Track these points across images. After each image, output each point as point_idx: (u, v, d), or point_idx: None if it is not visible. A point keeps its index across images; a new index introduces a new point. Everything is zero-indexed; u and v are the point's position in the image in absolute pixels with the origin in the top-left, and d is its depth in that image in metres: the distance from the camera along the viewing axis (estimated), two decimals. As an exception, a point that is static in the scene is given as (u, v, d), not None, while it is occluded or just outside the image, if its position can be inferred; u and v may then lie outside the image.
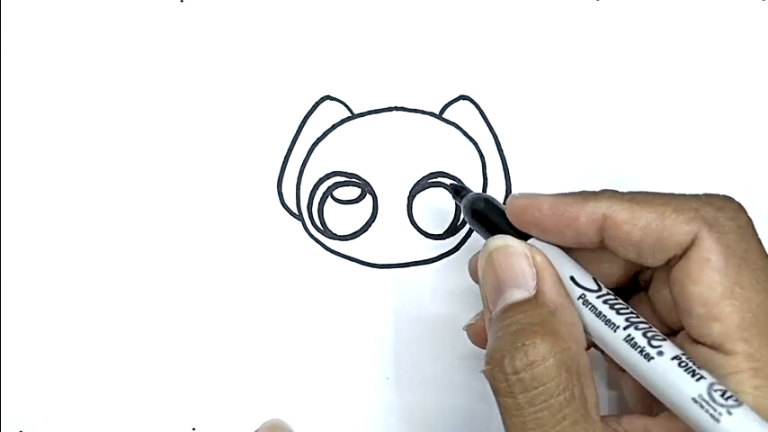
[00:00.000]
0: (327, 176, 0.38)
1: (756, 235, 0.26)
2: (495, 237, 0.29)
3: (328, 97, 0.38)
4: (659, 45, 0.38)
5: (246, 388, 0.37)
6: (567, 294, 0.27)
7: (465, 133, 0.38)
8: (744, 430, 0.23)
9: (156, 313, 0.37)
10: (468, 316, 0.34)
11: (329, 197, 0.38)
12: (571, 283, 0.27)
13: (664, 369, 0.24)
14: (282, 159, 0.38)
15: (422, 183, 0.37)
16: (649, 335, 0.25)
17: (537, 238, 0.28)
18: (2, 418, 0.36)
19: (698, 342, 0.25)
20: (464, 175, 0.38)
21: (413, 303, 0.37)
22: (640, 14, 0.38)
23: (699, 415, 0.23)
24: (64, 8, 0.38)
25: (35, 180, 0.37)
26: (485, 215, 0.31)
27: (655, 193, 0.27)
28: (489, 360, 0.26)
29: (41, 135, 0.38)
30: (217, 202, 0.37)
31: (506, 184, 0.37)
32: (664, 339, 0.25)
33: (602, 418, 0.26)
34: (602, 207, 0.27)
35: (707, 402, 0.23)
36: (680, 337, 0.27)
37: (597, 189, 0.27)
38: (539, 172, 0.37)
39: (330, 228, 0.37)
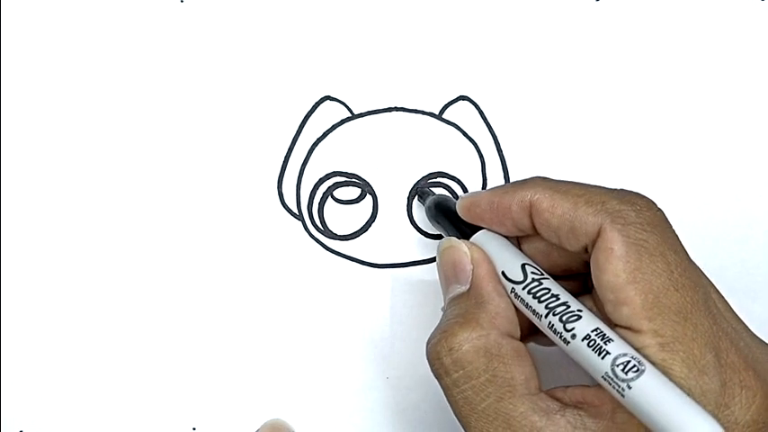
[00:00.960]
0: (327, 176, 0.38)
1: (660, 227, 0.27)
2: (444, 239, 0.32)
3: (328, 97, 0.38)
4: (659, 45, 0.38)
5: (246, 388, 0.37)
6: (498, 287, 0.30)
7: (465, 133, 0.38)
8: (644, 399, 0.24)
9: (156, 313, 0.37)
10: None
11: (329, 197, 0.38)
12: (503, 278, 0.29)
13: (578, 350, 0.26)
14: (282, 159, 0.38)
15: (422, 183, 0.38)
16: (565, 317, 0.27)
17: (488, 230, 0.31)
18: (2, 418, 0.36)
19: (616, 325, 0.27)
20: (464, 176, 0.38)
21: (412, 303, 0.37)
22: (640, 14, 0.38)
23: (611, 391, 0.25)
24: (64, 8, 0.38)
25: (35, 180, 0.37)
26: (443, 215, 0.34)
27: (576, 183, 0.29)
28: (427, 345, 0.29)
29: (41, 135, 0.38)
30: (217, 202, 0.37)
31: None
32: (578, 318, 0.27)
33: (551, 389, 0.28)
34: (528, 194, 0.29)
35: (611, 379, 0.25)
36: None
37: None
38: (538, 172, 0.37)
39: (330, 228, 0.37)
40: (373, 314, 0.37)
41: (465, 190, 0.37)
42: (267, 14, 0.38)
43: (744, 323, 0.29)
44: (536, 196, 0.29)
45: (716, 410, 0.25)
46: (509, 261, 0.30)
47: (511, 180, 0.38)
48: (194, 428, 0.37)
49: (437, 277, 0.37)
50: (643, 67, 0.38)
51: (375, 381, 0.37)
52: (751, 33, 0.38)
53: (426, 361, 0.29)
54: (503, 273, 0.30)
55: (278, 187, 0.37)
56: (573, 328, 0.27)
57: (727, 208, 0.37)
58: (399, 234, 0.37)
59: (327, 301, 0.37)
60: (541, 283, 0.28)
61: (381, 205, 0.38)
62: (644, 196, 0.28)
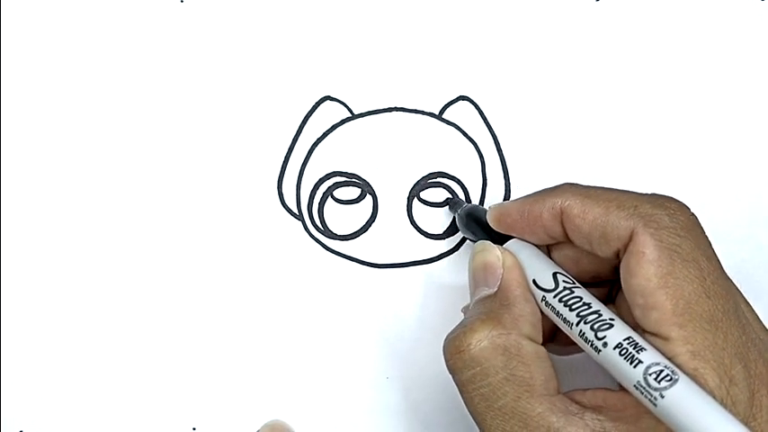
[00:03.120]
0: (327, 176, 0.38)
1: (694, 232, 0.27)
2: (478, 242, 0.32)
3: (328, 98, 0.38)
4: (659, 45, 0.38)
5: (246, 388, 0.37)
6: (527, 293, 0.30)
7: (464, 133, 0.38)
8: (677, 409, 0.24)
9: (156, 313, 0.37)
10: (467, 316, 0.35)
11: (329, 197, 0.38)
12: (533, 286, 0.30)
13: (610, 359, 0.26)
14: (282, 159, 0.38)
15: (422, 183, 0.38)
16: (596, 326, 0.27)
17: (518, 239, 0.31)
18: (2, 418, 0.36)
19: (645, 331, 0.27)
20: (464, 176, 0.38)
21: (413, 303, 0.37)
22: (640, 14, 0.38)
23: (643, 400, 0.25)
24: (64, 8, 0.38)
25: (35, 180, 0.37)
26: (475, 225, 0.34)
27: (607, 188, 0.29)
28: (445, 340, 0.29)
29: (41, 135, 0.38)
30: (217, 203, 0.37)
31: (506, 184, 0.38)
32: (610, 327, 0.27)
33: (570, 392, 0.28)
34: (559, 201, 0.29)
35: (644, 388, 0.25)
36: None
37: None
38: (538, 172, 0.37)
39: (330, 228, 0.37)
40: (373, 314, 0.37)
41: (465, 190, 0.37)
42: (267, 15, 0.38)
43: None
44: (567, 202, 0.29)
45: (744, 421, 0.25)
46: (540, 269, 0.30)
47: (510, 180, 0.38)
48: (194, 428, 0.37)
49: (437, 277, 0.37)
50: (643, 67, 0.38)
51: (375, 381, 0.37)
52: (751, 33, 0.38)
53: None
54: (534, 281, 0.30)
55: (278, 187, 0.37)
56: (604, 337, 0.26)
57: (727, 208, 0.37)
58: (399, 234, 0.37)
59: (327, 301, 0.37)
60: (573, 292, 0.28)
61: (381, 205, 0.38)
62: (677, 200, 0.28)
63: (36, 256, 0.37)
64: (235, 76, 0.38)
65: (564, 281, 0.29)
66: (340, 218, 0.37)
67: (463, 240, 0.37)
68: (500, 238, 0.32)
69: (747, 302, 0.29)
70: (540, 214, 0.30)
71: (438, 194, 0.38)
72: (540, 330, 0.29)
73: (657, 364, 0.25)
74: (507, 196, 0.37)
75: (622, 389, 0.27)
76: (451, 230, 0.37)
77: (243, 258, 0.37)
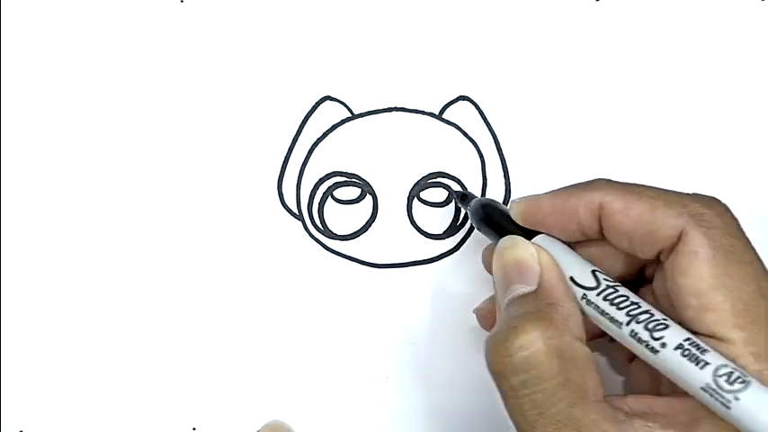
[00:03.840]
0: (327, 176, 0.38)
1: (742, 233, 0.27)
2: (507, 237, 0.30)
3: (328, 97, 0.38)
4: (659, 45, 0.38)
5: (246, 388, 0.37)
6: (568, 291, 0.28)
7: (465, 133, 0.38)
8: (755, 411, 0.23)
9: (156, 313, 0.37)
10: (467, 316, 0.35)
11: (329, 197, 0.38)
12: (572, 283, 0.28)
13: (670, 360, 0.25)
14: (282, 159, 0.38)
15: (422, 183, 0.38)
16: (651, 326, 0.25)
17: (546, 234, 0.30)
18: (2, 418, 0.36)
19: (698, 333, 0.25)
20: (464, 176, 0.38)
21: (412, 303, 0.37)
22: (640, 14, 0.38)
23: (712, 403, 0.24)
24: (64, 8, 0.38)
25: (35, 180, 0.37)
26: (492, 218, 0.32)
27: (647, 186, 0.28)
28: (488, 342, 0.27)
29: (41, 135, 0.38)
30: (217, 203, 0.37)
31: (506, 184, 0.37)
32: (666, 327, 0.25)
33: (607, 397, 0.27)
34: (598, 196, 0.28)
35: (714, 391, 0.24)
36: None
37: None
38: (538, 172, 0.37)
39: (330, 228, 0.37)
40: (373, 314, 0.37)
41: (465, 190, 0.37)
42: (267, 15, 0.38)
43: None
44: (606, 198, 0.28)
45: None
46: (578, 266, 0.28)
47: (511, 180, 0.38)
48: (194, 428, 0.37)
49: (437, 277, 0.37)
50: (643, 67, 0.38)
51: (375, 381, 0.37)
52: (751, 33, 0.38)
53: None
54: (572, 278, 0.28)
55: (278, 187, 0.37)
56: (662, 337, 0.25)
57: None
58: (399, 234, 0.37)
59: (327, 301, 0.37)
60: (617, 290, 0.27)
61: (381, 205, 0.38)
62: (721, 201, 0.27)
63: (36, 256, 0.37)
64: (235, 75, 0.38)
65: (605, 279, 0.28)
66: (340, 218, 0.37)
67: (463, 240, 0.37)
68: (524, 234, 0.30)
69: None
70: (575, 208, 0.28)
71: (438, 194, 0.38)
72: (585, 332, 0.28)
73: (726, 365, 0.24)
74: (507, 196, 0.37)
75: (671, 394, 0.26)
76: (452, 230, 0.37)
77: (243, 258, 0.37)
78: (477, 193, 0.37)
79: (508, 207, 0.31)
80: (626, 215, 0.27)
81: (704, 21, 0.38)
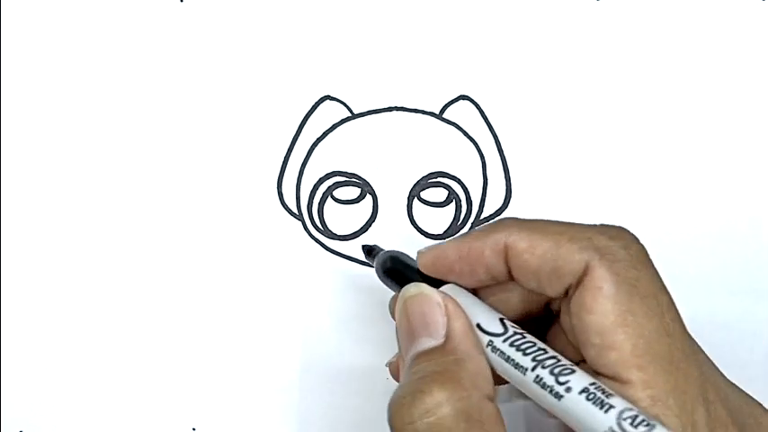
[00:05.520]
0: (327, 176, 0.38)
1: (650, 264, 0.26)
2: (410, 285, 0.28)
3: (328, 97, 0.38)
4: (659, 45, 0.38)
5: (246, 388, 0.37)
6: (477, 343, 0.27)
7: (465, 133, 0.38)
8: None
9: (156, 313, 0.37)
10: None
11: (329, 197, 0.38)
12: (478, 330, 0.27)
13: (574, 405, 0.24)
14: (282, 159, 0.38)
15: (422, 183, 0.37)
16: (557, 370, 0.25)
17: (453, 284, 0.28)
18: (2, 418, 0.36)
19: (599, 373, 0.25)
20: (464, 176, 0.38)
21: (413, 303, 0.37)
22: (640, 14, 0.38)
23: None
24: (64, 8, 0.38)
25: (35, 180, 0.37)
26: (398, 271, 0.30)
27: (554, 221, 0.27)
28: (390, 407, 0.25)
29: (41, 135, 0.38)
30: (217, 202, 0.37)
31: (506, 184, 0.37)
32: (572, 372, 0.25)
33: None
34: (502, 237, 0.26)
35: None
36: (583, 368, 0.26)
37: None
38: (539, 172, 0.37)
39: (330, 228, 0.37)
40: (373, 314, 0.37)
41: (465, 190, 0.37)
42: (267, 14, 0.38)
43: (719, 370, 0.27)
44: (511, 237, 0.26)
45: None
46: (483, 313, 0.27)
47: (511, 180, 0.37)
48: (194, 428, 0.37)
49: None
50: (643, 66, 0.38)
51: (375, 381, 0.37)
52: (751, 33, 0.38)
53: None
54: (478, 325, 0.27)
55: (278, 187, 0.37)
56: (567, 381, 0.24)
57: (729, 207, 0.37)
58: (399, 234, 0.37)
59: (327, 301, 0.37)
60: (525, 336, 0.26)
61: (381, 205, 0.37)
62: (628, 231, 0.26)
63: (36, 256, 0.37)
64: (234, 75, 0.38)
65: (512, 326, 0.27)
66: (340, 218, 0.37)
67: (463, 240, 0.37)
68: (431, 285, 0.28)
69: (693, 338, 0.27)
70: (481, 252, 0.27)
71: (438, 194, 0.37)
72: (493, 385, 0.26)
73: (631, 409, 0.23)
74: (508, 196, 0.37)
75: None
76: (452, 230, 0.37)
77: (243, 258, 0.37)
78: (478, 193, 0.37)
79: (415, 258, 0.30)
80: (531, 254, 0.26)
81: (705, 21, 0.38)
